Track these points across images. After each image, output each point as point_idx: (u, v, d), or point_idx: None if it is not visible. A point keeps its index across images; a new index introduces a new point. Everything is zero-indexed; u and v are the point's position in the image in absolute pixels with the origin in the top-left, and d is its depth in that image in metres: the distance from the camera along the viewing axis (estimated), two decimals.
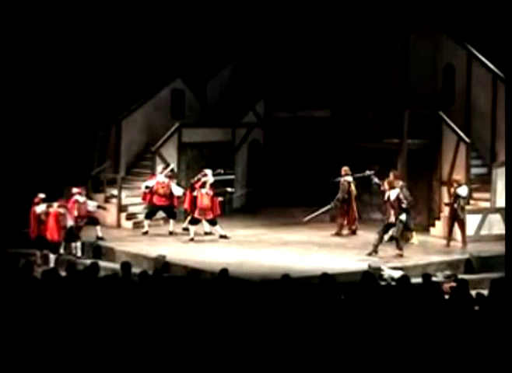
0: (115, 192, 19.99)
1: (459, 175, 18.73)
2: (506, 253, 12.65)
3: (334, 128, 21.32)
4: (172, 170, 19.59)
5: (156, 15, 21.85)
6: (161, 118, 21.79)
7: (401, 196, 16.89)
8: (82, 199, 17.89)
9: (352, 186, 18.88)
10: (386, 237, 17.17)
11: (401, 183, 17.43)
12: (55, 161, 20.66)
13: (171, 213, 19.09)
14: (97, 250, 17.53)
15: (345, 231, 19.05)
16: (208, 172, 18.89)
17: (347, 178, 18.80)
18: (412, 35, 20.61)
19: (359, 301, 9.39)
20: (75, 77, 20.93)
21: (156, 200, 18.97)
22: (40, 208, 17.24)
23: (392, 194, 16.90)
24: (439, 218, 19.10)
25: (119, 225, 19.82)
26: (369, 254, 16.64)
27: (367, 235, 18.66)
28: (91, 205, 18.14)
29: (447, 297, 10.01)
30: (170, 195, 19.00)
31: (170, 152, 20.94)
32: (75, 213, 17.66)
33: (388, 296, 9.77)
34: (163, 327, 8.84)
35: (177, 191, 19.06)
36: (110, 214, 19.78)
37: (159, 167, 19.76)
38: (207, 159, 20.92)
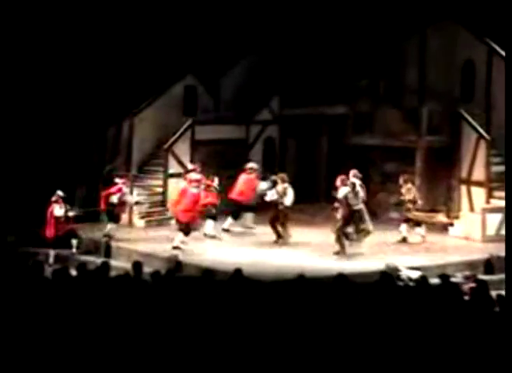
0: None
1: (479, 173, 18.64)
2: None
3: (350, 125, 21.25)
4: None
5: (169, 9, 21.83)
6: (173, 115, 21.75)
7: (350, 195, 16.81)
8: (126, 189, 18.28)
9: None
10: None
11: (353, 180, 17.36)
12: (66, 159, 20.67)
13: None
14: (108, 249, 17.55)
15: None
16: (254, 165, 18.83)
17: (353, 180, 18.48)
18: (430, 30, 20.52)
19: (376, 303, 9.34)
20: (86, 73, 20.93)
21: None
22: (59, 211, 17.30)
23: (341, 192, 16.88)
24: (458, 218, 19.03)
25: (130, 224, 19.84)
26: (337, 253, 16.61)
27: (383, 235, 18.59)
28: (129, 197, 18.49)
29: (466, 298, 9.95)
30: None
31: (183, 150, 20.94)
32: (115, 200, 17.94)
33: (406, 297, 9.72)
34: (175, 329, 8.82)
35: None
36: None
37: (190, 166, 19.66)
38: (220, 157, 20.90)
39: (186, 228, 17.26)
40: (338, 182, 17.14)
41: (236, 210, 18.92)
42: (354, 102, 21.44)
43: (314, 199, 21.32)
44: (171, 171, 20.65)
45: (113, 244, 17.72)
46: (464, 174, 19.43)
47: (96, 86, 21.09)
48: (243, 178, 19.07)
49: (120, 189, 18.32)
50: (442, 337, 8.70)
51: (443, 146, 19.81)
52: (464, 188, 19.43)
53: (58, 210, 17.37)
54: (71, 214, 17.58)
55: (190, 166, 19.35)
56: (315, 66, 22.28)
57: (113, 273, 11.05)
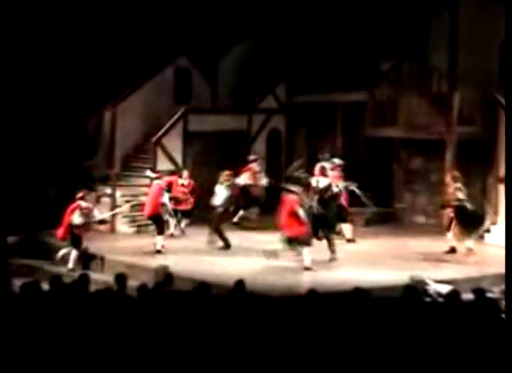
0: (109, 190, 20.00)
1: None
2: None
3: (369, 115, 21.23)
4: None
5: None
6: (163, 103, 21.81)
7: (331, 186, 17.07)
8: (182, 181, 18.78)
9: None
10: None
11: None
12: (39, 153, 20.63)
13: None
14: (87, 260, 17.51)
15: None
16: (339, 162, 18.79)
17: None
18: (463, 3, 20.47)
19: (400, 322, 9.31)
20: (61, 54, 20.85)
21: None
22: (77, 220, 17.22)
23: (322, 182, 16.94)
24: (495, 223, 18.99)
25: (113, 230, 19.83)
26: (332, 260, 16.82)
27: (408, 242, 18.59)
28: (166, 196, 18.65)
29: (504, 316, 9.92)
30: None
31: (174, 143, 20.96)
32: (165, 197, 18.23)
33: (434, 315, 9.69)
34: (166, 352, 8.79)
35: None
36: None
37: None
38: (218, 152, 20.91)
39: (303, 240, 16.50)
40: (317, 171, 17.13)
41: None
42: (373, 88, 21.41)
43: None
44: (160, 168, 20.64)
45: (93, 253, 17.69)
46: (502, 171, 19.38)
47: (73, 70, 21.02)
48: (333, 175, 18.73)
49: (162, 188, 18.29)
50: (476, 361, 8.66)
51: (478, 139, 19.78)
52: (502, 188, 19.39)
53: (77, 217, 17.24)
54: (96, 219, 17.66)
55: (252, 157, 19.48)
56: (328, 46, 22.27)
57: (92, 288, 11.02)
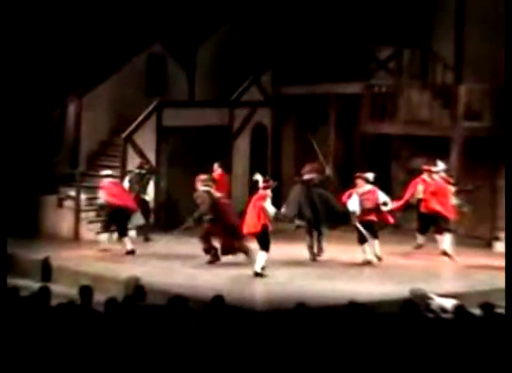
0: (72, 193, 19.97)
1: None
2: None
3: (366, 108, 21.27)
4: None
5: None
6: (134, 94, 21.79)
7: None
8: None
9: None
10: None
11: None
12: None
13: None
14: (47, 270, 17.48)
15: None
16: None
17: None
18: None
19: (399, 340, 9.34)
20: (20, 38, 20.78)
21: None
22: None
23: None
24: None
25: (77, 237, 19.82)
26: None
27: (409, 251, 18.61)
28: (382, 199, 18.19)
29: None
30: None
31: (147, 139, 20.96)
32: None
33: (437, 333, 9.73)
34: None
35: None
36: (65, 222, 19.78)
37: None
38: (196, 149, 20.89)
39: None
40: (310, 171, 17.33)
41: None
42: (370, 78, 21.46)
43: None
44: (131, 167, 20.65)
45: (55, 264, 17.68)
46: None
47: (32, 55, 20.95)
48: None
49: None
50: None
51: (487, 135, 19.84)
52: None
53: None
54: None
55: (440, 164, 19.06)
56: (318, 30, 22.29)
57: (54, 302, 11.02)
